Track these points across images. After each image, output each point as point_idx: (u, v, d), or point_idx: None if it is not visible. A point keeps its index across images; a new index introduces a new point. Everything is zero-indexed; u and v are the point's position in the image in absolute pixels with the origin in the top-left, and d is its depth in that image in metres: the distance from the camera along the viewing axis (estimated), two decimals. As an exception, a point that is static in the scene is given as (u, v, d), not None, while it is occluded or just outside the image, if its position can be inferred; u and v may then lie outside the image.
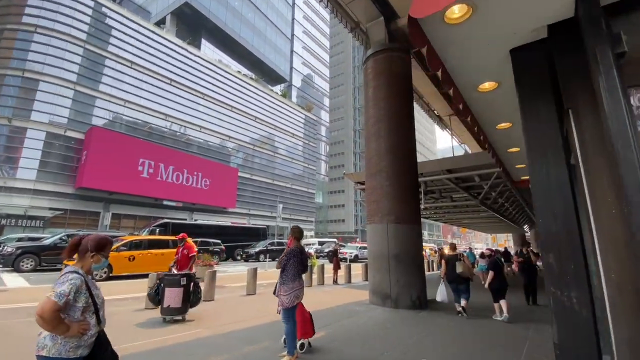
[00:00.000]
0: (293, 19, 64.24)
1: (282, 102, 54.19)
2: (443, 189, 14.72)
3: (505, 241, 58.73)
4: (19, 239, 16.62)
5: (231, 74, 45.49)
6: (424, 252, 10.60)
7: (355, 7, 9.70)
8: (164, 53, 37.04)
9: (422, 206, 9.94)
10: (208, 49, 46.27)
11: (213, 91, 42.29)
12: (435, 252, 27.24)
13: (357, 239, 60.60)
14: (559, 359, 1.74)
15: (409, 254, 7.52)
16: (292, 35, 63.34)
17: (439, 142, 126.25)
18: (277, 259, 4.02)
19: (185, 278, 5.57)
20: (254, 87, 48.73)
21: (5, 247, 12.98)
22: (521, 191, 15.45)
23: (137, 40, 34.77)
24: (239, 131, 45.73)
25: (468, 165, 11.03)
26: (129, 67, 33.75)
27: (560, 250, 1.66)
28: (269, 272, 13.94)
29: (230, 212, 41.56)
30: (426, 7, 1.91)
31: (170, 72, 37.51)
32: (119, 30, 33.47)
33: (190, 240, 14.84)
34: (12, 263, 11.95)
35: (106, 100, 31.79)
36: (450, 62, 2.17)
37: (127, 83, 33.46)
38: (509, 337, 5.06)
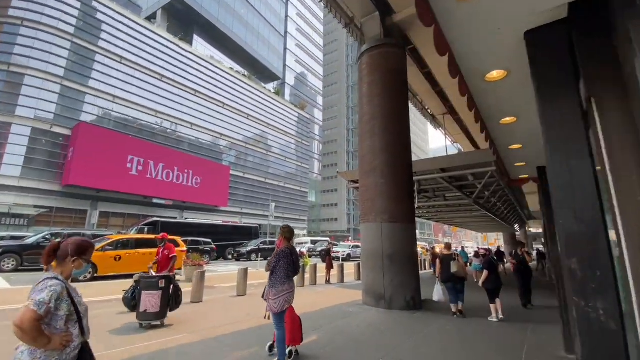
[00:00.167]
0: (286, 16, 63.74)
1: (275, 100, 53.76)
2: (436, 188, 14.63)
3: (495, 240, 59.38)
4: (1, 238, 16.01)
5: (223, 71, 44.91)
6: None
7: (350, 1, 9.48)
8: (154, 48, 36.31)
9: (415, 205, 9.81)
10: (200, 45, 45.56)
11: (205, 88, 41.69)
12: (427, 251, 27.25)
13: (350, 238, 60.55)
14: (582, 377, 1.54)
15: (404, 254, 7.36)
16: (286, 32, 62.86)
17: (431, 141, 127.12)
18: (268, 259, 3.79)
19: (164, 280, 5.22)
20: (246, 84, 48.19)
21: (-15, 247, 12.44)
22: (514, 191, 15.49)
23: (127, 35, 34.00)
24: (231, 129, 45.19)
25: (462, 164, 10.93)
26: (118, 62, 33.00)
27: (584, 254, 1.46)
28: (261, 272, 13.67)
29: (222, 210, 41.07)
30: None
31: (161, 67, 36.81)
32: (109, 25, 32.66)
33: (180, 239, 14.42)
34: (-8, 263, 11.46)
35: (94, 95, 31.02)
36: (458, 46, 1.98)
37: (117, 78, 32.71)
38: (507, 340, 4.92)
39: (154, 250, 12.61)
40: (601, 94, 1.62)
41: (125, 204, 31.92)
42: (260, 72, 55.47)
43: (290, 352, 3.83)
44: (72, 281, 1.82)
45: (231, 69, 47.07)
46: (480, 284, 6.46)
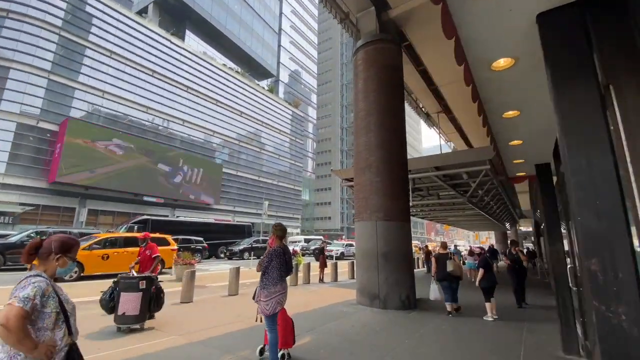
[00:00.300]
0: (281, 13, 63.24)
1: (269, 98, 53.36)
2: (431, 187, 14.61)
3: (487, 238, 60.02)
4: (-17, 236, 15.49)
5: (216, 67, 44.36)
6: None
7: (346, -5, 9.32)
8: (145, 43, 35.64)
9: (410, 204, 9.73)
10: (192, 41, 44.90)
11: (197, 84, 41.12)
12: (420, 249, 27.34)
13: (343, 237, 60.57)
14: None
15: (399, 252, 7.25)
16: (280, 29, 62.38)
17: (424, 141, 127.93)
18: (260, 258, 3.61)
19: (145, 281, 4.94)
20: (240, 81, 47.70)
21: (-34, 245, 12.01)
22: (507, 190, 15.54)
23: (117, 29, 33.27)
24: (224, 126, 44.70)
25: (457, 162, 10.89)
26: (108, 56, 32.28)
27: (604, 255, 1.33)
28: (253, 271, 13.47)
29: (214, 208, 40.65)
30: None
31: (153, 63, 36.16)
32: (98, 18, 31.90)
33: (170, 237, 14.13)
34: (-27, 262, 11.05)
35: (83, 90, 30.30)
36: (465, 31, 1.84)
37: (106, 73, 32.01)
38: (503, 340, 4.84)
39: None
40: (620, 81, 1.49)
41: (115, 201, 31.32)
42: (254, 69, 54.96)
43: (283, 355, 3.67)
44: (57, 281, 1.69)
45: (224, 65, 46.52)
46: (477, 283, 6.39)
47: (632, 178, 1.38)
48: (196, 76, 41.10)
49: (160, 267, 6.18)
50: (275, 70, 59.58)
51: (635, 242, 1.39)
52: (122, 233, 14.51)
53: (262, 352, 3.82)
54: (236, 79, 47.18)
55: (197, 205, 38.67)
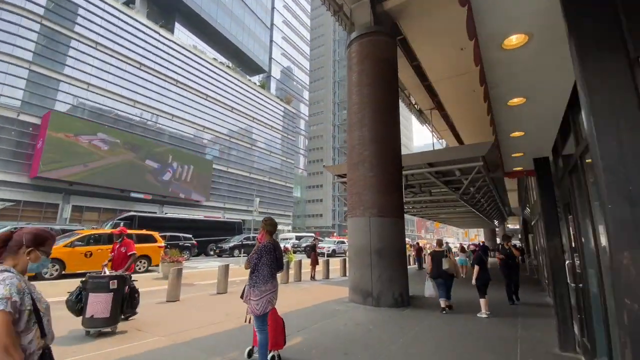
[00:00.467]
0: (273, 7, 62.45)
1: (261, 93, 52.74)
2: (423, 184, 14.56)
3: (475, 236, 60.91)
4: (-41, 233, 14.80)
5: (206, 61, 43.53)
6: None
7: (340, -14, 9.09)
8: (132, 35, 34.64)
9: (403, 199, 9.63)
10: (182, 34, 43.90)
11: (187, 78, 40.28)
12: (412, 246, 27.45)
13: (335, 234, 60.61)
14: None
15: (392, 249, 7.12)
16: (272, 24, 61.62)
17: (415, 139, 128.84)
18: (248, 255, 3.40)
19: (116, 281, 4.53)
20: (231, 76, 46.96)
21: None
22: (498, 187, 15.63)
23: (103, 19, 32.20)
24: (215, 121, 43.99)
25: (450, 158, 10.82)
26: (93, 47, 31.25)
27: (638, 247, 1.16)
28: (243, 268, 13.22)
29: (204, 205, 40.05)
30: None
31: (140, 55, 35.20)
32: (82, 7, 30.80)
33: (158, 234, 13.71)
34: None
35: (67, 82, 29.27)
36: (477, 2, 1.65)
37: (91, 65, 30.98)
38: (499, 338, 4.75)
39: (129, 246, 12.01)
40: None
41: (101, 197, 30.50)
42: (245, 64, 54.17)
43: (273, 357, 3.47)
44: (37, 280, 1.48)
45: (215, 59, 45.69)
46: (473, 281, 6.31)
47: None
48: (186, 70, 40.25)
49: (134, 266, 5.76)
50: (267, 66, 58.88)
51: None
52: (106, 230, 14.05)
53: (250, 353, 3.62)
54: (227, 73, 46.42)
55: (186, 202, 38.02)
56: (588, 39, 1.40)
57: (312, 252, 12.34)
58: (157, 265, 12.22)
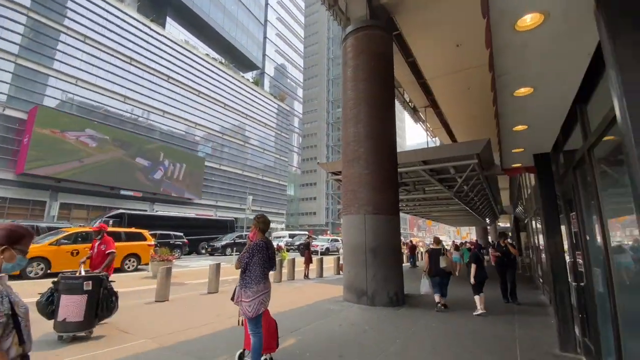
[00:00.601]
0: (267, 3, 61.88)
1: (254, 90, 52.23)
2: (417, 181, 14.48)
3: (467, 234, 61.42)
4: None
5: (199, 57, 42.88)
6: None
7: (335, -21, 8.90)
8: (122, 29, 33.90)
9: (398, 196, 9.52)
10: (174, 29, 43.20)
11: (178, 74, 39.64)
12: (405, 244, 27.49)
13: (328, 232, 60.52)
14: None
15: (388, 247, 6.99)
16: (266, 21, 61.06)
17: (408, 138, 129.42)
18: (239, 254, 3.21)
19: (91, 282, 4.18)
20: (223, 72, 46.37)
21: None
22: (491, 186, 15.66)
23: (91, 12, 31.43)
24: (207, 118, 43.42)
25: (444, 156, 10.74)
26: (82, 41, 30.48)
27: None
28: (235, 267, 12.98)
29: (196, 203, 39.55)
30: None
31: (130, 50, 34.49)
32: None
33: (147, 232, 13.38)
34: None
35: (54, 77, 28.50)
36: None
37: (80, 59, 30.22)
38: (497, 338, 4.65)
39: (118, 244, 11.63)
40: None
41: (90, 195, 29.85)
42: (238, 60, 53.57)
43: (265, 360, 3.30)
44: (22, 279, 1.30)
45: (207, 55, 45.04)
46: (471, 279, 6.22)
47: None
48: (177, 65, 39.59)
49: (123, 265, 5.41)
50: (260, 63, 58.37)
51: None
52: (94, 227, 13.67)
53: (241, 357, 3.43)
54: (220, 69, 45.82)
55: (177, 199, 37.49)
56: (616, 10, 1.25)
57: (305, 250, 12.16)
58: (147, 264, 11.93)
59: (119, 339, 4.20)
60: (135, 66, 34.89)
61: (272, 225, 50.11)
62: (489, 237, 38.53)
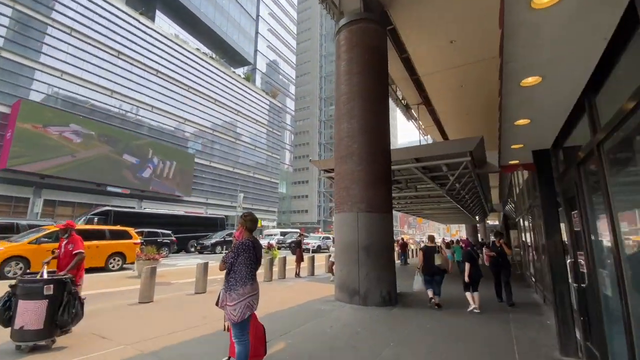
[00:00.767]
0: (259, -2, 61.11)
1: (245, 86, 51.57)
2: (409, 179, 14.40)
3: (457, 232, 62.13)
4: None
5: (189, 51, 42.06)
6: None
7: (328, -30, 8.66)
8: (110, 21, 32.96)
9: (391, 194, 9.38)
10: (163, 22, 42.25)
11: (168, 68, 38.80)
12: (396, 241, 27.52)
13: (320, 230, 60.41)
14: None
15: (381, 245, 6.83)
16: (258, 16, 60.28)
17: (400, 136, 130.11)
18: (224, 254, 2.97)
19: (52, 285, 3.75)
20: (214, 67, 45.62)
21: None
22: (482, 183, 15.68)
23: (78, 3, 30.44)
24: (197, 114, 42.68)
25: (437, 153, 10.64)
26: (68, 34, 29.50)
27: None
28: (225, 266, 12.68)
29: (185, 200, 38.90)
30: None
31: (118, 43, 33.58)
32: (55, -10, 29.01)
33: (133, 230, 12.96)
34: None
35: (39, 70, 27.52)
36: None
37: (66, 52, 29.27)
38: (494, 340, 4.53)
39: (102, 242, 11.27)
40: None
41: (75, 191, 29.00)
42: (229, 55, 52.77)
43: (252, 368, 3.08)
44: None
45: (198, 50, 44.22)
46: (466, 278, 6.13)
47: None
48: (167, 60, 38.75)
49: (84, 268, 4.93)
50: (252, 58, 57.62)
51: None
52: (77, 225, 13.19)
53: (226, 365, 3.22)
54: (210, 64, 45.06)
55: (167, 197, 36.80)
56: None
57: (297, 248, 11.95)
58: (133, 263, 11.55)
59: (92, 346, 3.90)
60: (124, 60, 34.00)
61: (263, 223, 49.78)
62: (479, 235, 38.98)
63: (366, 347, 4.07)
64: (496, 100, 2.82)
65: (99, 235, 11.42)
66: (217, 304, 2.99)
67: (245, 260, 2.96)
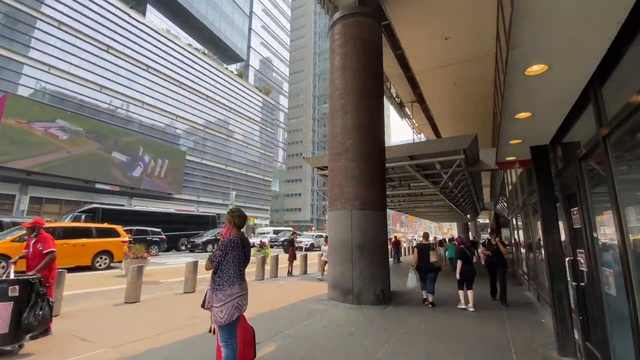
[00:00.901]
0: (252, -5, 60.43)
1: (238, 83, 50.99)
2: (403, 177, 14.34)
3: (448, 230, 62.72)
4: None
5: (181, 47, 41.37)
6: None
7: (322, -37, 8.47)
8: (99, 15, 32.16)
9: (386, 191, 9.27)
10: (154, 17, 41.42)
11: (159, 64, 38.08)
12: (389, 240, 27.54)
13: (313, 228, 60.34)
14: None
15: (375, 243, 6.72)
16: (251, 12, 59.64)
17: (393, 135, 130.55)
18: (211, 252, 2.79)
19: (18, 286, 3.50)
20: (207, 63, 44.97)
21: None
22: (474, 182, 15.72)
23: (65, -5, 29.60)
24: (189, 110, 42.04)
25: (431, 151, 10.58)
26: (56, 27, 28.67)
27: None
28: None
29: (176, 198, 38.33)
30: None
31: (108, 37, 32.79)
32: (42, -18, 28.15)
33: (121, 228, 12.62)
34: None
35: (24, 63, 26.69)
36: None
37: (53, 46, 28.44)
38: (489, 339, 4.44)
39: (88, 240, 10.94)
40: None
41: (63, 188, 28.29)
42: (222, 51, 52.09)
43: (240, 373, 2.92)
44: None
45: (189, 45, 43.52)
46: (457, 276, 6.07)
47: None
48: (158, 55, 38.02)
49: (56, 268, 4.59)
50: (245, 55, 57.00)
51: None
52: (61, 223, 12.81)
53: (213, 369, 3.05)
54: (203, 60, 44.40)
55: (157, 194, 36.19)
56: None
57: (289, 246, 11.79)
58: (121, 262, 11.25)
59: (69, 349, 3.68)
60: (113, 55, 33.24)
61: (256, 221, 49.41)
62: (470, 233, 39.37)
63: (360, 349, 3.94)
64: (490, 99, 2.71)
65: (85, 233, 11.08)
66: (202, 306, 2.82)
67: (233, 259, 2.79)
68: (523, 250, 9.56)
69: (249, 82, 55.50)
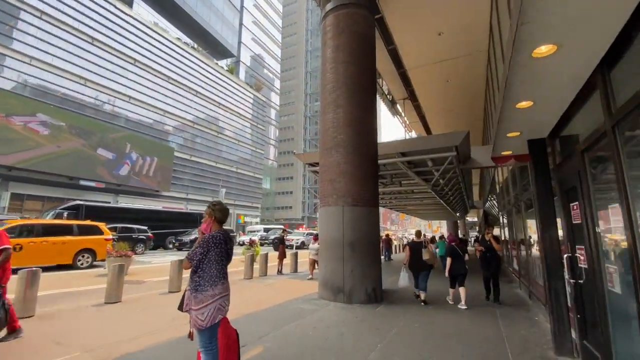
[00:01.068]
0: (243, -11, 59.54)
1: (229, 79, 50.24)
2: (394, 174, 14.25)
3: (438, 228, 63.34)
4: None
5: (169, 40, 40.47)
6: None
7: (314, -48, 8.22)
8: (83, 5, 31.12)
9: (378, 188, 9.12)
10: (142, 9, 40.37)
11: (147, 57, 37.17)
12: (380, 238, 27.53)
13: (304, 226, 60.11)
14: None
15: (367, 241, 6.56)
16: (242, 7, 58.78)
17: (384, 134, 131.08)
18: (190, 249, 2.56)
19: None
20: (196, 57, 44.13)
21: None
22: (465, 180, 15.75)
23: (47, -16, 28.53)
24: (178, 106, 41.21)
25: (423, 147, 10.48)
26: (38, 17, 27.63)
27: None
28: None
29: (164, 195, 37.59)
30: None
31: (92, 29, 31.80)
32: (21, -31, 27.04)
33: (104, 225, 12.18)
34: None
35: (5, 55, 25.63)
36: None
37: (34, 36, 27.40)
38: (483, 338, 4.32)
39: (68, 238, 10.49)
40: None
41: (46, 185, 27.37)
42: (212, 46, 51.20)
43: (222, 379, 2.69)
44: None
45: (178, 39, 42.62)
46: (446, 273, 5.98)
47: None
48: (145, 48, 37.10)
49: (10, 267, 4.11)
50: (235, 50, 56.16)
51: None
52: (40, 220, 12.29)
53: (194, 375, 2.82)
54: (192, 55, 43.55)
55: (145, 191, 35.41)
56: None
57: (280, 244, 11.56)
58: (104, 260, 10.84)
59: (39, 353, 3.40)
60: (98, 47, 32.26)
61: (246, 219, 48.90)
62: (459, 231, 39.78)
63: (351, 352, 3.76)
64: (481, 97, 2.55)
65: (66, 230, 10.63)
66: (179, 308, 2.58)
67: (216, 257, 2.56)
68: (514, 247, 9.54)
69: (239, 78, 54.76)
